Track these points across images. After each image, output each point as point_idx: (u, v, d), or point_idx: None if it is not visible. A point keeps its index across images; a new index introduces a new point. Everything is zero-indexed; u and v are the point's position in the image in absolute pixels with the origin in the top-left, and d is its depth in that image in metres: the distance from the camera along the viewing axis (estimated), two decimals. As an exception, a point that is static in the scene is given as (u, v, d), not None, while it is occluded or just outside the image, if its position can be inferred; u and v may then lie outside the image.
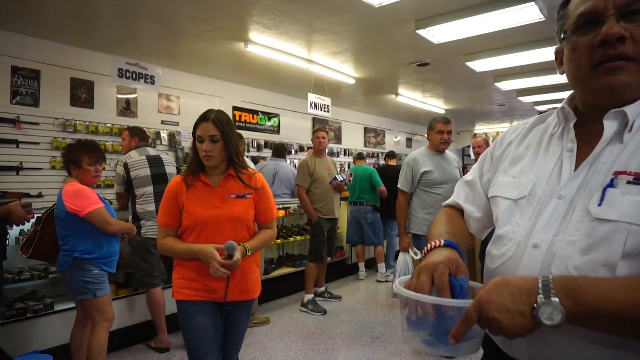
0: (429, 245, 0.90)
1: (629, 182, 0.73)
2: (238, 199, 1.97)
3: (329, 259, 5.05)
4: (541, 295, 0.66)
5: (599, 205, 0.74)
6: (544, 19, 4.13)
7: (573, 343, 0.74)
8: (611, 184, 0.75)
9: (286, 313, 4.49)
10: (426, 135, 3.68)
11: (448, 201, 1.13)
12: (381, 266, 5.87)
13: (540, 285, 0.67)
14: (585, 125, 0.85)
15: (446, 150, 3.62)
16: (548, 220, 0.81)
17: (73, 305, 2.96)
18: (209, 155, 1.90)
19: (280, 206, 5.26)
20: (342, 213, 5.74)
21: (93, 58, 5.25)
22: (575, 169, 0.82)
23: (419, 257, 3.38)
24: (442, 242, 0.89)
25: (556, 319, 0.64)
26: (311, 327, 4.08)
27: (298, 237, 5.38)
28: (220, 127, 1.91)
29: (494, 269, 0.89)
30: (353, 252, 6.19)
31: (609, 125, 0.79)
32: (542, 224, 0.81)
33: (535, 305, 0.66)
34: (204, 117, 1.94)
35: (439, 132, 3.49)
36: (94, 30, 4.63)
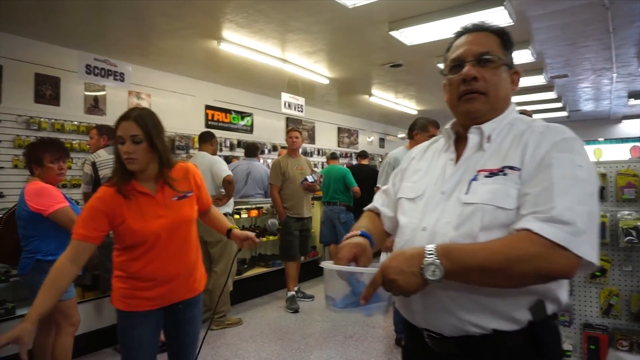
0: (348, 234, 1.17)
1: (485, 176, 1.01)
2: (181, 200, 1.79)
3: (302, 258, 5.06)
4: (427, 258, 0.88)
5: (466, 193, 1.01)
6: (512, 24, 4.24)
7: (455, 301, 0.97)
8: (474, 178, 1.02)
9: (259, 313, 4.47)
10: (409, 135, 3.52)
11: (369, 206, 1.38)
12: (354, 265, 5.89)
13: (426, 251, 0.89)
14: (463, 140, 1.11)
15: None
16: (433, 210, 1.06)
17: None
18: (131, 158, 1.64)
19: (253, 206, 5.22)
20: (316, 213, 5.74)
21: (59, 53, 5.09)
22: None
23: None
24: (359, 232, 1.16)
25: (437, 274, 0.87)
26: (284, 327, 4.07)
27: (271, 237, 5.36)
28: (142, 126, 1.66)
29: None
30: (326, 252, 6.20)
31: (472, 137, 1.08)
32: (429, 213, 1.06)
33: (422, 266, 0.87)
34: (124, 116, 1.67)
35: (430, 137, 3.44)
36: (61, 24, 4.49)
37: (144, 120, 1.67)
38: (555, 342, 1.03)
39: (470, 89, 1.06)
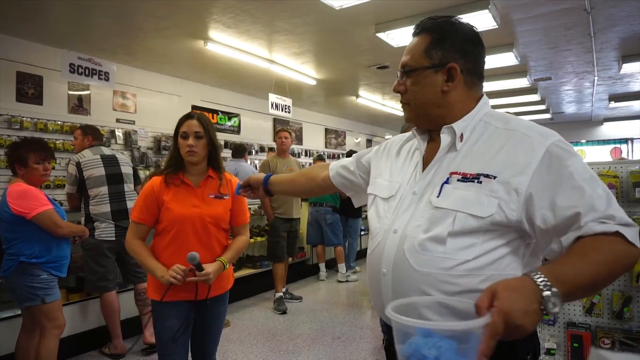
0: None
1: (458, 180, 0.99)
2: (217, 199, 2.00)
3: (290, 259, 5.05)
4: (545, 291, 0.77)
5: (437, 197, 0.99)
6: (496, 27, 4.31)
7: (425, 304, 0.93)
8: (447, 181, 1.00)
9: (246, 315, 4.45)
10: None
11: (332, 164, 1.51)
12: (341, 266, 5.92)
13: (538, 283, 0.79)
14: (434, 141, 1.11)
15: None
16: (404, 212, 1.06)
17: (17, 312, 2.81)
18: (192, 151, 1.93)
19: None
20: (303, 214, 5.74)
21: (42, 52, 5.00)
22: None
23: None
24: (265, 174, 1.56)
25: (558, 304, 0.77)
26: (272, 329, 4.06)
27: (259, 239, 5.34)
28: (204, 125, 1.97)
29: (370, 253, 1.14)
30: (314, 253, 6.21)
31: (445, 137, 1.05)
32: (400, 215, 1.06)
33: (542, 300, 0.77)
34: (189, 115, 2.00)
35: None
36: (44, 22, 4.41)
37: (205, 121, 1.99)
38: (531, 339, 1.02)
39: (401, 100, 1.13)
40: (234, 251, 2.06)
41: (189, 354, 2.06)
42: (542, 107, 9.54)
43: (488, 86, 7.13)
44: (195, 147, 1.93)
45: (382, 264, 1.05)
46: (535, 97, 8.29)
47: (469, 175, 0.98)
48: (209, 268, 1.89)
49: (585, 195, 0.89)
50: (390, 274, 1.02)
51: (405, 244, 1.00)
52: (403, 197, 1.09)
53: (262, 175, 1.61)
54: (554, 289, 0.78)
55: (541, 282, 0.79)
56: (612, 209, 0.89)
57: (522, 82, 6.97)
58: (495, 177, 0.94)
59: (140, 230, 1.97)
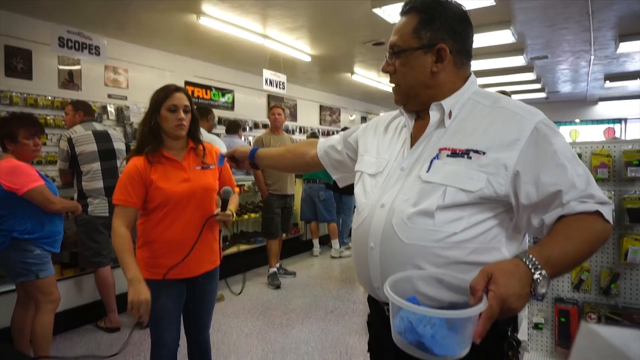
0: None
1: (448, 155, 1.00)
2: (204, 170, 1.98)
3: (284, 235, 5.09)
4: (535, 274, 0.83)
5: (427, 172, 1.01)
6: (494, 4, 4.24)
7: (417, 275, 0.97)
8: (436, 157, 1.01)
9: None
10: None
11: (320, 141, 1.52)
12: (335, 242, 5.97)
13: (530, 265, 0.84)
14: (422, 118, 1.12)
15: None
16: (392, 187, 1.07)
17: (13, 287, 2.82)
18: (182, 124, 1.89)
19: (235, 184, 5.19)
20: (297, 190, 5.75)
21: (30, 25, 4.88)
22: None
23: None
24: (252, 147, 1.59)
25: (545, 286, 0.83)
26: (266, 303, 4.12)
27: (252, 215, 5.36)
28: (189, 99, 1.94)
29: (355, 229, 1.14)
30: (308, 229, 6.25)
31: (433, 114, 1.06)
32: (388, 190, 1.07)
33: (532, 283, 0.82)
34: (176, 88, 1.93)
35: None
36: (31, -6, 4.29)
37: (189, 95, 1.96)
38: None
39: (391, 81, 1.14)
40: (234, 204, 2.10)
41: (182, 331, 2.07)
42: (538, 86, 9.51)
43: (484, 64, 7.08)
44: (184, 121, 1.89)
45: (369, 238, 1.06)
46: (531, 76, 8.24)
47: (458, 151, 0.99)
48: (231, 205, 1.96)
49: (568, 173, 0.93)
50: (378, 247, 1.03)
51: (394, 218, 1.01)
52: (391, 173, 1.10)
53: (248, 148, 1.61)
54: (543, 272, 0.83)
55: (532, 265, 0.83)
56: (592, 188, 0.94)
57: (519, 61, 6.92)
58: (484, 153, 0.96)
59: (128, 214, 1.85)
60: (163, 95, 1.90)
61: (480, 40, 5.65)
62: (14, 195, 2.45)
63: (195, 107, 2.00)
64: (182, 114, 1.88)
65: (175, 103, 1.88)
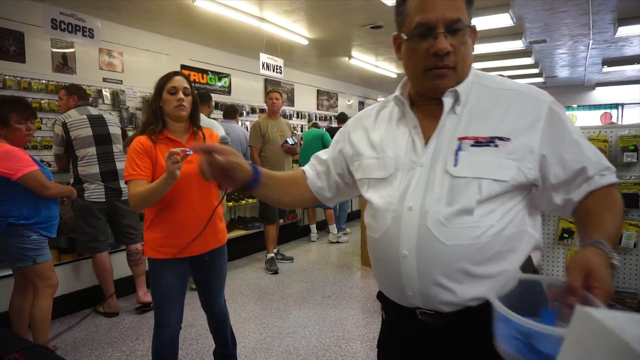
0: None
1: (472, 145, 0.94)
2: None
3: (281, 221, 5.10)
4: (612, 259, 0.81)
5: (455, 166, 0.94)
6: (494, -14, 4.19)
7: (453, 279, 0.93)
8: (459, 148, 0.94)
9: (238, 275, 4.53)
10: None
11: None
12: (332, 227, 5.99)
13: (606, 252, 0.81)
14: (419, 107, 1.05)
15: None
16: (415, 186, 0.97)
17: (10, 272, 2.83)
18: (182, 105, 1.99)
19: (232, 169, 5.18)
20: (295, 176, 5.75)
21: (22, 6, 4.79)
22: (426, 142, 1.00)
23: None
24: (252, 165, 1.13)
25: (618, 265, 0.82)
26: (263, 288, 4.15)
27: (250, 200, 5.36)
28: (189, 83, 2.06)
29: (378, 238, 1.03)
30: (305, 215, 6.27)
31: (447, 101, 0.98)
32: (412, 190, 0.97)
33: (612, 269, 0.80)
34: (175, 72, 2.07)
35: None
36: (22, -25, 4.20)
37: (189, 79, 2.08)
38: None
39: (442, 65, 0.95)
40: None
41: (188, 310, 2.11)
42: (536, 70, 9.47)
43: (481, 48, 7.02)
44: (184, 102, 1.99)
45: (400, 245, 0.96)
46: (529, 60, 8.20)
47: (482, 140, 0.94)
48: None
49: (583, 149, 0.96)
50: (415, 254, 0.95)
51: (429, 220, 0.93)
52: (406, 171, 1.00)
53: (245, 163, 1.13)
54: (616, 256, 0.82)
55: (609, 252, 0.82)
56: (604, 159, 0.98)
57: (517, 45, 6.87)
58: (509, 139, 0.93)
59: (141, 185, 1.88)
60: (164, 79, 2.04)
61: (478, 23, 5.57)
62: (8, 180, 2.43)
63: (196, 92, 2.08)
64: (182, 95, 1.99)
65: (175, 85, 1.99)
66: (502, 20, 5.42)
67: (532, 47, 7.40)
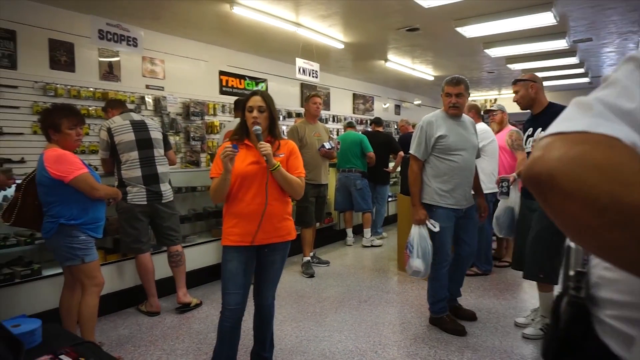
0: None
1: None
2: (274, 157, 2.31)
3: (317, 224, 5.11)
4: None
5: None
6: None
7: None
8: None
9: (274, 278, 4.57)
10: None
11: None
12: (367, 231, 5.95)
13: None
14: None
15: (464, 115, 3.21)
16: None
17: (61, 270, 2.97)
18: (256, 122, 2.29)
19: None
20: (331, 179, 5.75)
21: (72, 18, 5.05)
22: None
23: (437, 229, 3.09)
24: None
25: None
26: (300, 291, 4.17)
27: (286, 204, 5.40)
28: (266, 100, 2.34)
29: None
30: (341, 218, 6.26)
31: None
32: None
33: None
34: (254, 92, 2.38)
35: (447, 95, 3.08)
36: (72, -12, 4.43)
37: (267, 97, 2.37)
38: None
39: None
40: (286, 173, 2.30)
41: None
42: (581, 70, 9.07)
43: (522, 48, 6.82)
44: (259, 119, 2.29)
45: None
46: (573, 60, 7.87)
47: None
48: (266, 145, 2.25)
49: None
50: None
51: None
52: None
53: None
54: None
55: None
56: None
57: (560, 44, 6.61)
58: None
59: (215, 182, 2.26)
60: (245, 98, 2.40)
61: (519, 23, 5.44)
62: (61, 182, 2.55)
63: (274, 109, 2.37)
64: (256, 113, 2.31)
65: (251, 105, 2.33)
66: (544, 18, 5.24)
67: (577, 46, 7.11)
